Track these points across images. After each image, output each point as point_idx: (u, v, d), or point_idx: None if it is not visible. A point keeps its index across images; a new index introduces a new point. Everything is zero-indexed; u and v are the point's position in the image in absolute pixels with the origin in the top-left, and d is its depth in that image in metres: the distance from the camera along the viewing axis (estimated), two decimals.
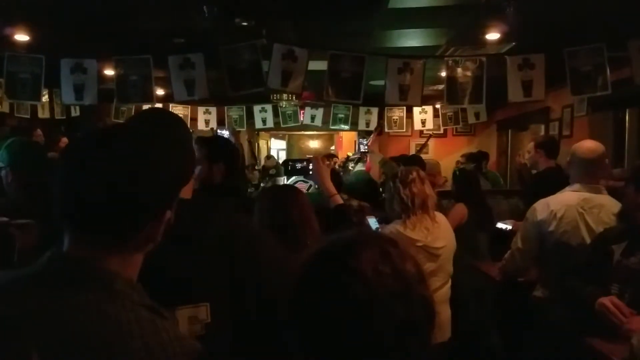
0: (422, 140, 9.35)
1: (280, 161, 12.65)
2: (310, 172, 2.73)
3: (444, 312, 2.91)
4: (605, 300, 2.20)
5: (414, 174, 2.94)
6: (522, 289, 3.21)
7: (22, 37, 4.79)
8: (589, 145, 2.96)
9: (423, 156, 7.54)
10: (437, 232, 2.88)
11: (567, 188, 2.95)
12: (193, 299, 1.31)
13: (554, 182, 3.33)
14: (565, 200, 2.88)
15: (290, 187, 2.64)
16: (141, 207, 0.93)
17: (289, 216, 2.04)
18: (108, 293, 0.90)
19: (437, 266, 2.87)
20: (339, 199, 2.71)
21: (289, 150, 14.67)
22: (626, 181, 2.44)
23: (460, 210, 4.01)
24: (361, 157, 6.49)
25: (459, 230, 3.77)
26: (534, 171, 4.35)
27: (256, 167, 9.70)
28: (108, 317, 0.87)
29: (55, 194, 0.94)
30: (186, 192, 1.36)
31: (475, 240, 3.99)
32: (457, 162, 8.05)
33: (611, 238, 2.41)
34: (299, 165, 2.82)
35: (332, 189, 2.71)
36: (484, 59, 4.45)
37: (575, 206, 2.83)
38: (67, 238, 0.94)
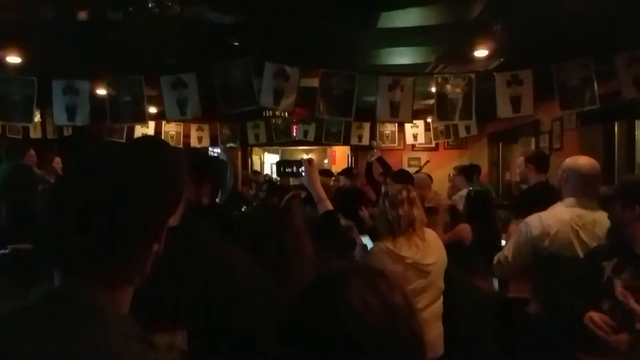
0: (415, 154, 9.44)
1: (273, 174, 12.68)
2: (302, 175, 2.71)
3: (436, 329, 2.91)
4: (594, 315, 2.22)
5: (404, 194, 2.94)
6: (519, 305, 3.21)
7: (14, 59, 4.80)
8: (589, 161, 2.94)
9: (414, 170, 7.61)
10: (427, 249, 2.89)
11: (560, 203, 2.94)
12: (170, 325, 1.32)
13: (544, 196, 3.35)
14: (559, 216, 2.87)
15: (283, 209, 2.61)
16: (126, 244, 0.95)
17: (281, 240, 1.95)
18: (100, 326, 0.91)
19: (428, 283, 2.87)
20: (328, 205, 2.69)
21: (278, 162, 14.65)
22: (612, 198, 2.45)
23: (464, 230, 4.00)
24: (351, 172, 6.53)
25: (461, 250, 3.78)
26: (523, 186, 4.36)
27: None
28: (100, 350, 0.88)
29: (42, 231, 0.97)
30: (174, 220, 1.37)
31: (476, 261, 3.96)
32: (450, 174, 8.08)
33: (601, 255, 2.42)
34: (289, 170, 2.80)
35: (322, 193, 2.68)
36: (472, 76, 4.51)
37: (569, 222, 2.82)
38: (57, 273, 0.96)
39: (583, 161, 2.94)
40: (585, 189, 2.86)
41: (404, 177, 4.93)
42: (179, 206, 1.34)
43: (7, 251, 2.19)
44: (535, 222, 2.92)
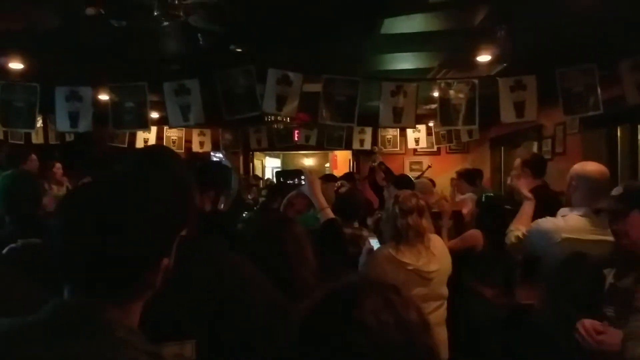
0: (416, 159, 9.43)
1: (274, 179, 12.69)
2: (303, 184, 2.74)
3: (440, 334, 2.90)
4: (585, 322, 2.18)
5: (414, 202, 2.94)
6: (525, 313, 3.19)
7: (16, 65, 4.80)
8: (598, 167, 2.90)
9: (417, 174, 7.60)
10: (430, 256, 2.90)
11: (571, 212, 2.89)
12: (179, 336, 1.31)
13: (542, 201, 3.28)
14: (571, 224, 2.83)
15: (283, 219, 2.62)
16: (135, 260, 0.95)
17: (281, 243, 1.97)
18: (110, 341, 0.91)
19: (429, 290, 2.88)
20: (329, 213, 2.73)
21: (283, 168, 14.71)
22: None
23: (475, 236, 3.95)
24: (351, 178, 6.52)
25: (473, 257, 3.75)
26: None
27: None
28: None
29: (51, 247, 0.97)
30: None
31: (488, 270, 3.89)
32: (452, 179, 8.07)
33: (603, 262, 2.40)
34: (290, 181, 2.82)
35: (323, 202, 2.76)
36: (476, 81, 4.50)
37: (581, 230, 2.78)
38: (67, 288, 0.97)
39: (592, 167, 2.91)
40: (596, 196, 2.80)
41: (404, 182, 4.92)
42: (189, 220, 1.35)
43: (18, 245, 2.23)
44: (547, 225, 2.89)
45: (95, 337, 0.91)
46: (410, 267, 2.83)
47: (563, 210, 3.00)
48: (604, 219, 2.74)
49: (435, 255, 2.93)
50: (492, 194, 4.96)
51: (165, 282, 1.02)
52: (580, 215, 2.84)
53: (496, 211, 4.16)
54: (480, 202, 4.24)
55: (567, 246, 2.77)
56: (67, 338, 0.90)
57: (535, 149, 7.45)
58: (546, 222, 2.94)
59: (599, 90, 4.21)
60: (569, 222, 2.87)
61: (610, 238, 2.55)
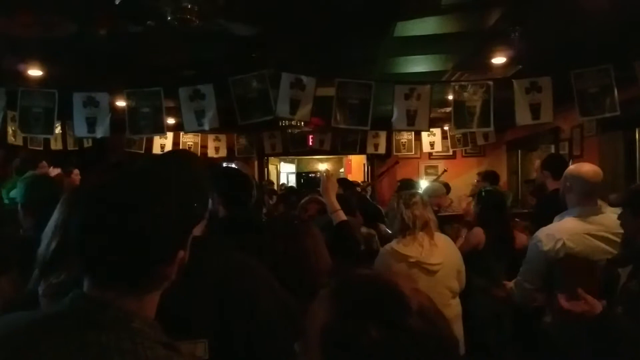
0: (432, 163, 9.40)
1: (289, 184, 12.76)
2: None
3: (456, 329, 2.90)
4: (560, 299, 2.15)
5: (417, 197, 3.06)
6: (536, 313, 3.17)
7: (35, 72, 4.89)
8: (592, 168, 2.90)
9: (432, 179, 7.57)
10: (433, 249, 2.94)
11: (567, 214, 2.88)
12: (191, 334, 1.33)
13: (562, 206, 3.24)
14: (569, 227, 2.80)
15: (301, 219, 2.67)
16: (152, 252, 0.98)
17: (301, 247, 2.02)
18: (127, 332, 0.94)
19: (435, 282, 2.89)
20: (342, 215, 2.81)
21: (298, 173, 14.78)
22: (622, 207, 2.40)
23: (477, 234, 3.93)
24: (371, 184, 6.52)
25: (475, 255, 3.74)
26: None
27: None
28: (127, 355, 0.90)
29: (71, 238, 0.99)
30: (197, 230, 1.38)
31: (492, 266, 3.87)
32: (476, 180, 7.96)
33: (618, 262, 2.39)
34: (312, 175, 2.95)
35: (335, 204, 2.84)
36: (490, 83, 4.47)
37: (580, 232, 2.76)
38: (86, 279, 0.99)
39: (587, 168, 2.90)
40: (590, 196, 2.84)
41: (409, 185, 4.95)
42: (204, 217, 1.37)
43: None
44: (545, 237, 2.84)
45: (112, 328, 0.93)
46: (412, 260, 2.88)
47: (559, 216, 2.97)
48: (595, 216, 2.78)
49: (439, 248, 2.97)
50: (491, 189, 4.94)
51: (180, 282, 1.04)
52: (574, 217, 2.84)
53: (496, 204, 4.13)
54: (480, 196, 4.20)
55: (564, 249, 2.75)
56: (85, 329, 0.92)
57: (552, 152, 7.37)
58: (542, 231, 2.90)
59: (615, 91, 4.15)
60: (564, 225, 2.85)
61: (602, 232, 2.63)
